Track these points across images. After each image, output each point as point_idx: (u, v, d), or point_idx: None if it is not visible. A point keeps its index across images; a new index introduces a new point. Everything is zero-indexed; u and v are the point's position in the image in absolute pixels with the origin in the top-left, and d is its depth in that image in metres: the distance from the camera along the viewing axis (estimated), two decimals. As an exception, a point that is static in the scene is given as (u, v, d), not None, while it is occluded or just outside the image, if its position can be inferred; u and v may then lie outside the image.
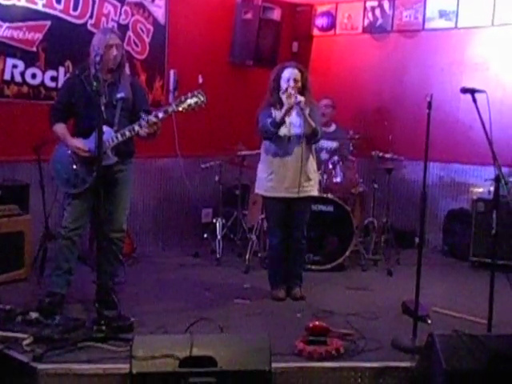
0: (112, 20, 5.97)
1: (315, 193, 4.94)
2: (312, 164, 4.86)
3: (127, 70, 4.80)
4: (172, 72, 6.59)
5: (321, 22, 7.83)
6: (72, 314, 4.15)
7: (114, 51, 4.12)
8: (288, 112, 4.62)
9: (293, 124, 4.72)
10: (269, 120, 4.68)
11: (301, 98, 4.57)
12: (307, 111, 4.64)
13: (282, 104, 4.68)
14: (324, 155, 6.27)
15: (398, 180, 6.90)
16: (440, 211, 6.90)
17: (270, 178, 4.80)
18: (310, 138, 4.74)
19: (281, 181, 4.75)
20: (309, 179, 4.79)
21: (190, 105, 4.15)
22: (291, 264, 4.95)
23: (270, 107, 4.79)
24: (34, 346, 3.55)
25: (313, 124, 4.65)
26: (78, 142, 4.16)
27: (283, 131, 4.71)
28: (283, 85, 4.69)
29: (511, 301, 4.32)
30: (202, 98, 4.18)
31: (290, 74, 4.68)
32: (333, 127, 6.54)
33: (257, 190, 4.99)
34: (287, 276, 4.96)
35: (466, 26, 6.82)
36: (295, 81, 4.67)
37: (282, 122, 4.65)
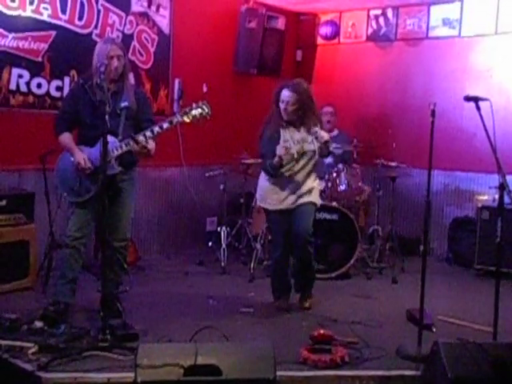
0: (117, 30, 6.01)
1: (314, 199, 4.78)
2: (314, 175, 4.82)
3: (132, 80, 4.83)
4: (177, 81, 6.62)
5: (325, 30, 7.85)
6: (77, 323, 4.16)
7: (115, 62, 4.14)
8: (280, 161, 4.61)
9: (303, 139, 4.67)
10: (268, 162, 4.68)
11: (326, 137, 4.55)
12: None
13: (288, 124, 4.70)
14: (329, 159, 6.21)
15: (402, 188, 6.90)
16: (444, 219, 6.90)
17: (271, 191, 4.75)
18: (324, 155, 4.79)
19: (281, 193, 4.72)
20: (309, 192, 4.74)
21: (194, 116, 4.17)
22: (303, 275, 4.92)
23: (276, 128, 4.74)
24: (39, 355, 3.56)
25: (331, 148, 4.69)
26: (81, 156, 4.15)
27: (297, 148, 4.63)
28: (280, 105, 4.67)
29: (516, 309, 4.31)
30: (207, 110, 4.20)
31: (283, 96, 4.65)
32: (335, 132, 6.55)
33: (259, 203, 4.96)
34: (299, 286, 4.95)
35: (470, 35, 6.84)
36: (287, 103, 4.63)
37: (280, 166, 4.64)
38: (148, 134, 4.10)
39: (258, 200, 4.99)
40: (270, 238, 6.04)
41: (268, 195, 4.79)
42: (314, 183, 4.81)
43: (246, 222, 6.44)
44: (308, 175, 4.75)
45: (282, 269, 4.89)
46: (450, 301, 5.19)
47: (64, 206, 4.53)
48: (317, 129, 4.61)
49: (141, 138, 4.09)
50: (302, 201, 4.73)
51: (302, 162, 4.71)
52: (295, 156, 4.65)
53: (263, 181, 4.84)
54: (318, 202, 4.88)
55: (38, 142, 5.23)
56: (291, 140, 4.69)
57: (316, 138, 4.57)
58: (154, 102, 6.28)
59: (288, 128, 4.73)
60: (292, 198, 4.71)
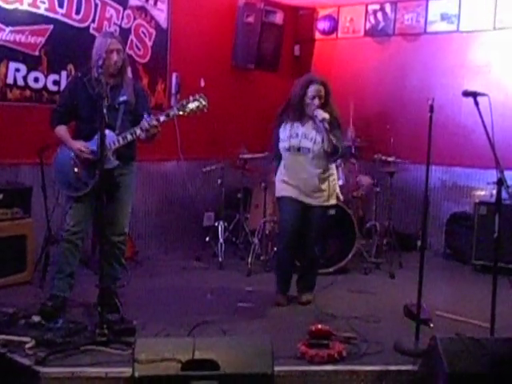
0: (114, 24, 5.98)
1: (329, 202, 4.79)
2: (325, 176, 4.73)
3: (129, 74, 4.81)
4: (174, 75, 6.60)
5: (323, 25, 7.84)
6: (74, 318, 4.15)
7: (115, 56, 4.13)
8: None
9: (305, 136, 4.67)
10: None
11: (325, 116, 4.51)
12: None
13: (301, 118, 4.68)
14: None
15: (400, 183, 6.89)
16: (442, 214, 6.90)
17: (283, 180, 4.78)
18: (331, 154, 4.65)
19: (293, 186, 4.73)
20: (320, 190, 4.73)
21: (191, 109, 4.17)
22: (305, 272, 4.95)
23: (281, 123, 4.75)
24: (37, 350, 3.56)
25: (334, 141, 4.54)
26: (81, 144, 4.17)
27: (293, 142, 4.67)
28: (308, 101, 4.63)
29: (514, 304, 4.32)
30: (204, 102, 4.20)
31: (315, 91, 4.59)
32: None
33: (276, 195, 4.96)
34: (299, 282, 4.97)
35: (468, 30, 6.84)
36: (319, 98, 4.60)
37: None
38: (145, 125, 4.10)
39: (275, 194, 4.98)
40: (268, 230, 6.08)
41: (281, 185, 4.81)
42: (325, 184, 4.74)
43: (243, 216, 6.44)
44: (312, 170, 4.69)
45: (286, 260, 4.86)
46: (448, 296, 5.20)
47: (62, 201, 4.52)
48: (315, 107, 4.59)
49: (154, 121, 4.10)
50: (313, 201, 4.72)
51: (300, 158, 4.69)
52: (287, 147, 4.68)
53: (277, 173, 4.86)
54: (332, 202, 4.84)
55: (35, 137, 5.21)
56: (289, 133, 4.69)
57: (316, 116, 4.57)
58: (152, 96, 6.26)
59: (294, 123, 4.70)
60: (302, 194, 4.71)
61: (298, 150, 4.68)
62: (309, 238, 4.82)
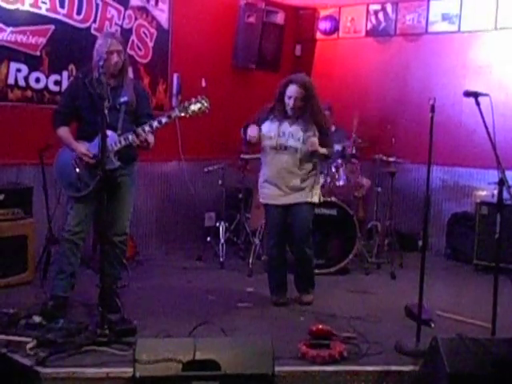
0: (115, 24, 5.98)
1: (310, 199, 4.78)
2: (306, 176, 4.74)
3: (130, 74, 4.81)
4: (175, 76, 6.60)
5: (324, 25, 7.85)
6: (75, 318, 4.15)
7: (115, 57, 4.13)
8: None
9: (292, 135, 4.69)
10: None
11: (315, 148, 4.58)
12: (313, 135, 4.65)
13: (288, 117, 4.69)
14: None
15: (401, 183, 6.89)
16: (443, 215, 6.90)
17: (264, 185, 4.83)
18: (323, 160, 4.84)
19: (273, 188, 4.76)
20: (300, 189, 4.73)
21: (193, 110, 4.17)
22: (299, 272, 4.96)
23: (264, 118, 4.79)
24: (38, 350, 3.56)
25: (326, 153, 4.69)
26: (83, 148, 4.16)
27: (280, 141, 4.68)
28: (286, 100, 4.65)
29: (515, 304, 4.32)
30: (206, 104, 4.20)
31: (292, 92, 4.61)
32: (332, 129, 6.51)
33: (259, 198, 5.03)
34: (296, 282, 4.97)
35: (469, 30, 6.83)
36: (295, 99, 4.60)
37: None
38: (147, 128, 4.10)
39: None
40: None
41: (262, 190, 4.87)
42: (305, 183, 4.75)
43: (244, 217, 6.44)
44: (296, 171, 4.70)
45: (277, 264, 4.90)
46: (449, 296, 5.20)
47: (63, 201, 4.52)
48: (310, 134, 4.63)
49: (139, 130, 4.09)
50: (295, 199, 4.73)
51: (285, 157, 4.70)
52: (274, 145, 4.69)
53: (260, 175, 4.91)
54: (315, 199, 4.84)
55: (36, 137, 5.21)
56: (276, 131, 4.70)
57: (307, 139, 4.62)
58: (153, 96, 6.26)
59: (282, 122, 4.71)
60: (281, 193, 4.73)
61: (285, 148, 4.69)
62: (296, 236, 4.81)
